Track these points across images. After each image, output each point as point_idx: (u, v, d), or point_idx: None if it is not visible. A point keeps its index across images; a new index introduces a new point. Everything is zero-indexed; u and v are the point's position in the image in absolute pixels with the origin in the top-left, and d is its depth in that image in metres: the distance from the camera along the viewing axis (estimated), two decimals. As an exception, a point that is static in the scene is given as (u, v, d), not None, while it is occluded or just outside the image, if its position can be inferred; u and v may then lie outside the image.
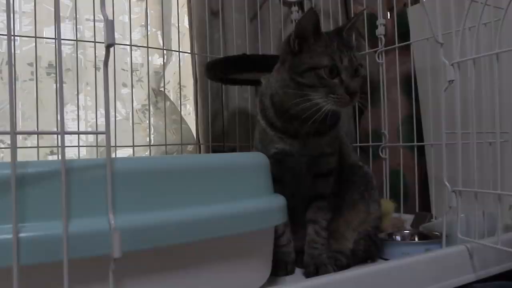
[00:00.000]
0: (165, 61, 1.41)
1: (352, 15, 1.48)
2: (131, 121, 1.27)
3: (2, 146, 1.22)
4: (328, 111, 0.70)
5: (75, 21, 1.24)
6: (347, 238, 0.83)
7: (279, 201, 0.68)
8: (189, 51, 1.43)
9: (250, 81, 1.24)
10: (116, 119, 1.32)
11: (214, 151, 1.39)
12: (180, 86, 1.39)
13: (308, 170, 0.79)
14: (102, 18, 0.45)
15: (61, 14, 1.25)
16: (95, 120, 1.24)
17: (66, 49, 1.28)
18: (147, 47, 1.28)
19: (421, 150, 1.24)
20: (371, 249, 0.84)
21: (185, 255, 0.55)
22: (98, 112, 1.23)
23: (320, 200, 0.80)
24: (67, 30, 1.26)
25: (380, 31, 1.22)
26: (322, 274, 0.72)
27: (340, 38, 0.73)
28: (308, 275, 0.74)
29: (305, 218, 0.80)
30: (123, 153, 1.32)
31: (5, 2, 0.43)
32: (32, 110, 1.18)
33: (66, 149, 1.08)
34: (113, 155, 1.13)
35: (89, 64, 1.30)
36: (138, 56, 1.38)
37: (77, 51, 1.24)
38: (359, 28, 1.50)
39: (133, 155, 1.26)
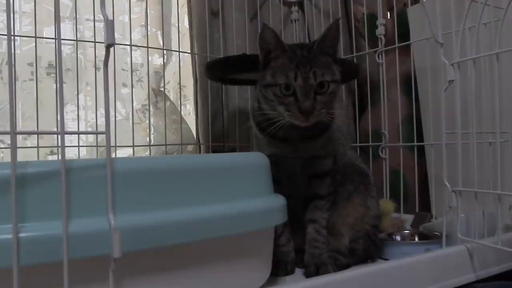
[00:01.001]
0: (165, 61, 1.41)
1: (352, 15, 1.48)
2: (131, 121, 1.27)
3: (2, 146, 1.22)
4: (289, 124, 0.72)
5: (75, 21, 1.24)
6: (343, 235, 0.82)
7: (279, 201, 0.68)
8: (189, 51, 1.43)
9: (250, 81, 1.24)
10: (116, 119, 1.32)
11: (214, 151, 1.39)
12: (180, 86, 1.39)
13: (302, 172, 0.79)
14: (102, 18, 0.45)
15: (61, 14, 1.25)
16: (95, 120, 1.24)
17: (66, 49, 1.28)
18: (147, 47, 1.28)
19: (421, 150, 1.24)
20: (370, 249, 0.84)
21: (185, 255, 0.55)
22: (98, 112, 1.23)
23: (318, 199, 0.80)
24: (67, 30, 1.26)
25: (380, 31, 1.22)
26: (323, 274, 0.73)
27: (307, 53, 0.73)
28: (308, 275, 0.74)
29: (304, 218, 0.80)
30: (123, 153, 1.32)
31: (5, 2, 0.43)
32: (32, 110, 1.18)
33: (66, 149, 1.08)
34: (113, 155, 1.13)
35: (89, 64, 1.30)
36: (138, 56, 1.38)
37: (77, 51, 1.24)
38: (359, 28, 1.51)
39: (133, 155, 1.26)
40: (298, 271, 0.79)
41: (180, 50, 1.36)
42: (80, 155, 1.23)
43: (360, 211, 0.84)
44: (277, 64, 0.73)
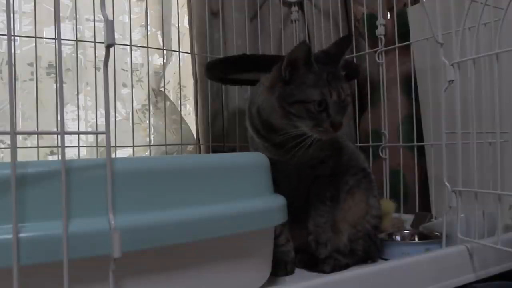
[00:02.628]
0: (165, 61, 1.41)
1: (352, 16, 1.48)
2: (131, 121, 1.27)
3: (2, 146, 1.22)
4: (313, 140, 0.72)
5: (75, 21, 1.24)
6: (342, 232, 0.81)
7: (279, 201, 0.68)
8: (189, 51, 1.42)
9: (250, 81, 1.24)
10: (116, 119, 1.32)
11: (214, 151, 1.39)
12: (180, 86, 1.39)
13: (298, 174, 0.79)
14: (102, 18, 0.45)
15: (61, 14, 1.25)
16: (95, 120, 1.24)
17: (66, 49, 1.28)
18: (147, 47, 1.28)
19: (421, 150, 1.24)
20: (370, 249, 0.83)
21: (185, 255, 0.55)
22: (98, 112, 1.23)
23: (319, 203, 0.80)
24: (67, 30, 1.26)
25: (380, 31, 1.22)
26: (321, 253, 0.76)
27: (331, 68, 0.73)
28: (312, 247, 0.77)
29: (304, 219, 0.80)
30: (123, 153, 1.32)
31: (5, 2, 0.43)
32: (32, 110, 1.18)
33: (66, 149, 1.08)
34: (113, 155, 1.13)
35: (89, 64, 1.30)
36: (138, 56, 1.38)
37: (77, 51, 1.24)
38: (359, 28, 1.51)
39: (133, 155, 1.26)
40: (298, 271, 0.79)
41: (180, 50, 1.36)
42: (80, 155, 1.23)
43: (361, 208, 0.83)
44: (307, 80, 0.72)
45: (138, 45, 1.33)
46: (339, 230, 0.82)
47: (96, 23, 1.22)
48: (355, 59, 1.41)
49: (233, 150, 1.39)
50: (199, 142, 1.43)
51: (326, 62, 0.74)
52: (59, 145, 0.45)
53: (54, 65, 1.26)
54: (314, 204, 0.80)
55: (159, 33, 1.40)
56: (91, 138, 1.29)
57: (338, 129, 0.71)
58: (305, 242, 0.81)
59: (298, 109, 0.71)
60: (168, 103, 1.39)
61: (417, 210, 1.19)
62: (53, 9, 1.24)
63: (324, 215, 0.79)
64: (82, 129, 1.27)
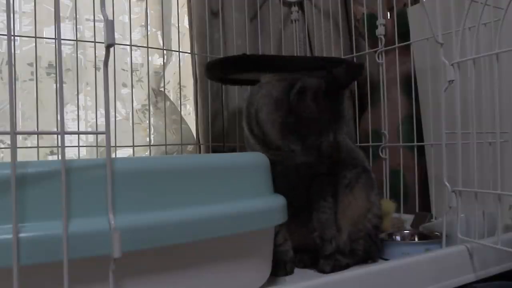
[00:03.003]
0: (165, 61, 1.41)
1: (352, 15, 1.48)
2: (131, 121, 1.27)
3: (2, 146, 1.22)
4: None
5: (75, 21, 1.24)
6: (342, 229, 0.81)
7: (279, 201, 0.68)
8: (189, 51, 1.42)
9: (250, 81, 1.23)
10: (116, 119, 1.32)
11: (214, 151, 1.39)
12: (180, 86, 1.39)
13: (297, 173, 0.79)
14: (102, 18, 0.45)
15: (61, 14, 1.25)
16: (95, 120, 1.24)
17: (66, 49, 1.28)
18: (147, 47, 1.28)
19: (421, 150, 1.24)
20: (371, 249, 0.83)
21: (186, 255, 0.55)
22: (98, 112, 1.23)
23: (321, 200, 0.80)
24: (67, 30, 1.26)
25: (380, 31, 1.22)
26: (326, 249, 0.77)
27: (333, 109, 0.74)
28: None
29: (304, 218, 0.80)
30: (123, 153, 1.32)
31: (5, 2, 0.43)
32: (32, 110, 1.18)
33: (66, 149, 1.08)
34: (113, 155, 1.13)
35: (89, 64, 1.30)
36: (138, 56, 1.38)
37: (77, 51, 1.24)
38: (359, 28, 1.51)
39: (133, 155, 1.26)
40: (298, 271, 0.79)
41: (180, 50, 1.36)
42: (80, 155, 1.22)
43: (361, 204, 0.82)
44: (315, 115, 0.73)
45: (138, 45, 1.33)
46: (339, 227, 0.81)
47: (96, 23, 1.22)
48: (355, 59, 1.41)
49: (233, 150, 1.39)
50: (199, 142, 1.43)
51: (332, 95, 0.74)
52: (59, 145, 0.45)
53: (54, 65, 1.26)
54: (315, 201, 0.79)
55: (159, 33, 1.40)
56: (91, 138, 1.29)
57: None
58: (305, 242, 0.81)
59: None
60: (168, 103, 1.39)
61: (417, 210, 1.19)
62: (53, 9, 1.24)
63: (327, 211, 0.79)
64: (82, 129, 1.27)
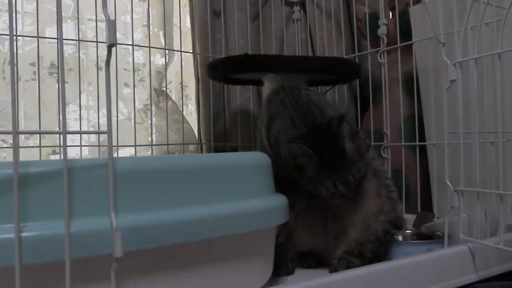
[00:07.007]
0: (167, 61, 1.41)
1: (354, 15, 1.47)
2: (133, 121, 1.27)
3: (5, 145, 1.22)
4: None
5: (77, 21, 1.24)
6: (352, 230, 0.80)
7: (281, 200, 0.68)
8: (191, 51, 1.43)
9: (252, 81, 1.24)
10: (118, 119, 1.32)
11: (216, 151, 1.39)
12: (182, 86, 1.39)
13: None
14: (104, 18, 0.45)
15: (63, 14, 1.25)
16: (97, 119, 1.24)
17: (68, 49, 1.28)
18: (149, 47, 1.28)
19: (423, 150, 1.24)
20: (379, 252, 0.81)
21: (187, 255, 0.56)
22: (100, 111, 1.23)
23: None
24: (69, 30, 1.26)
25: (382, 30, 1.22)
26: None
27: (334, 152, 0.72)
28: None
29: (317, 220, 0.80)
30: (125, 152, 1.32)
31: (7, 2, 0.43)
32: (34, 110, 1.18)
33: (68, 149, 1.08)
34: (115, 155, 1.13)
35: (91, 64, 1.31)
36: (140, 56, 1.38)
37: (79, 51, 1.24)
38: (361, 28, 1.50)
39: (135, 154, 1.26)
40: (298, 271, 0.79)
41: (182, 50, 1.36)
42: (82, 155, 1.23)
43: (375, 204, 0.81)
44: (311, 172, 0.73)
45: (140, 45, 1.33)
46: (349, 228, 0.80)
47: (98, 23, 1.22)
48: (356, 59, 1.41)
49: (235, 149, 1.39)
50: (201, 141, 1.43)
51: (330, 140, 0.73)
52: (61, 144, 0.45)
53: (56, 65, 1.26)
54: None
55: (161, 33, 1.40)
56: (93, 137, 1.29)
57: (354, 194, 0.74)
58: (318, 243, 0.81)
59: (311, 190, 0.74)
60: (170, 102, 1.40)
61: (419, 210, 1.19)
62: (55, 9, 1.25)
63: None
64: (84, 128, 1.27)
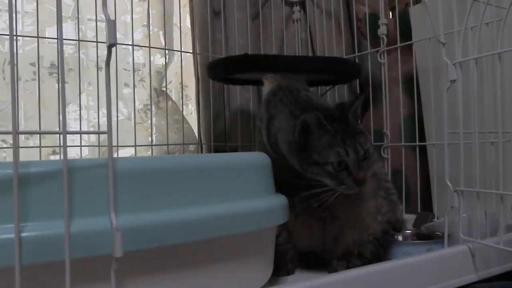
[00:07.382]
0: (167, 61, 1.41)
1: (354, 15, 1.47)
2: (133, 121, 1.27)
3: (5, 145, 1.22)
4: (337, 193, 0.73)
5: (77, 21, 1.24)
6: (350, 230, 0.81)
7: (281, 200, 0.68)
8: (191, 51, 1.43)
9: (252, 81, 1.24)
10: (118, 119, 1.32)
11: (216, 151, 1.39)
12: (182, 86, 1.39)
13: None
14: (104, 18, 0.45)
15: (63, 14, 1.25)
16: (97, 120, 1.24)
17: (68, 49, 1.28)
18: (149, 47, 1.28)
19: (423, 150, 1.24)
20: (378, 252, 0.82)
21: (187, 255, 0.56)
22: (100, 112, 1.23)
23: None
24: (69, 30, 1.26)
25: (382, 30, 1.22)
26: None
27: (345, 125, 0.73)
28: None
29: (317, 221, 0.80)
30: (125, 153, 1.32)
31: (7, 2, 0.43)
32: (34, 110, 1.18)
33: (68, 149, 1.07)
34: (115, 155, 1.13)
35: (91, 64, 1.31)
36: (140, 56, 1.38)
37: (79, 51, 1.24)
38: (361, 28, 1.50)
39: (135, 155, 1.26)
40: (298, 271, 0.79)
41: (182, 50, 1.36)
42: (82, 155, 1.23)
43: (370, 209, 0.82)
44: (321, 143, 0.72)
45: (140, 45, 1.33)
46: (347, 228, 0.81)
47: (98, 23, 1.22)
48: (356, 59, 1.41)
49: (234, 150, 1.39)
50: (201, 141, 1.43)
51: (340, 118, 0.74)
52: (61, 144, 0.45)
53: (56, 65, 1.26)
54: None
55: (161, 33, 1.40)
56: (93, 137, 1.29)
57: (362, 184, 0.72)
58: (317, 243, 0.81)
59: (317, 170, 0.72)
60: (170, 102, 1.40)
61: (419, 210, 1.19)
62: (55, 9, 1.25)
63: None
64: (84, 128, 1.27)
